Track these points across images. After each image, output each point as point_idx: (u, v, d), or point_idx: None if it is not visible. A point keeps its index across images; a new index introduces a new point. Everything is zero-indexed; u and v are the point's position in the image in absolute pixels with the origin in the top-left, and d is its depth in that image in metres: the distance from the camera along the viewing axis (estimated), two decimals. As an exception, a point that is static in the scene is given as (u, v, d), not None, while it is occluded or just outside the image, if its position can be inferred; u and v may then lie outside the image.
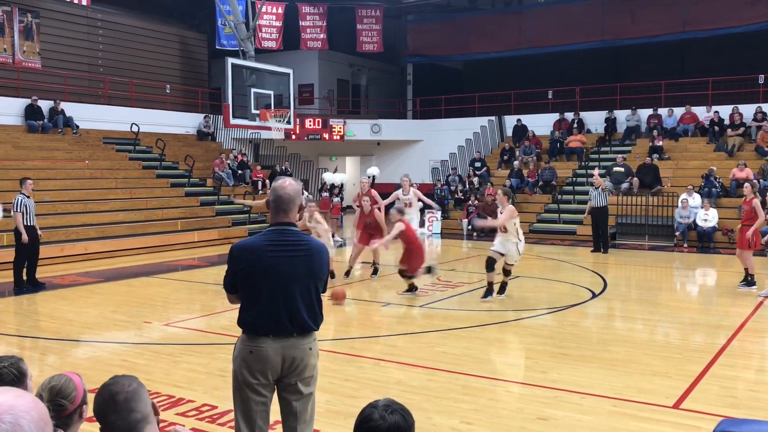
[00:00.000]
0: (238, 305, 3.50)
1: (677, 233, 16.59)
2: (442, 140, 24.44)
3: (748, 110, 19.78)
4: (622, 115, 22.01)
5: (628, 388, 5.73)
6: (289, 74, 19.97)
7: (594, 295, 10.10)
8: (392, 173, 24.68)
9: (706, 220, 16.30)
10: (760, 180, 16.98)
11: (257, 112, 18.75)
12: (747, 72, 20.67)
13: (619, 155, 19.91)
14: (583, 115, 22.65)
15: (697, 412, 5.11)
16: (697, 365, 6.38)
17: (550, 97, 23.89)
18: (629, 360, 6.66)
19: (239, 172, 20.92)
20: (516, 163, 21.32)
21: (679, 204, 16.72)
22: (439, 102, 25.69)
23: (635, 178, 18.65)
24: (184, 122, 22.30)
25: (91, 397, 2.34)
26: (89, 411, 2.38)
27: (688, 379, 5.96)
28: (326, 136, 24.11)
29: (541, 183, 20.40)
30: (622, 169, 19.07)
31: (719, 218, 16.38)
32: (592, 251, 15.45)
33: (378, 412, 2.02)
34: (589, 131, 22.49)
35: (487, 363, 6.58)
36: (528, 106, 23.83)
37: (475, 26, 25.21)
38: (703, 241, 16.34)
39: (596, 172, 16.14)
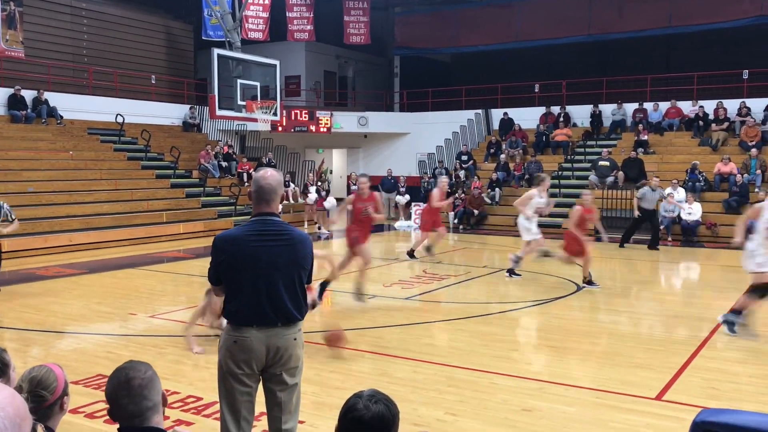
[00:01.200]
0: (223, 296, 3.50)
1: (662, 227, 16.70)
2: (429, 133, 24.44)
3: (732, 105, 19.95)
4: (608, 109, 22.11)
5: (612, 380, 5.78)
6: (275, 66, 19.87)
7: (579, 288, 10.17)
8: (379, 166, 24.71)
9: (690, 213, 16.42)
10: (744, 174, 17.15)
11: (243, 103, 18.64)
12: (732, 67, 20.82)
13: (605, 149, 20.01)
14: (569, 108, 22.74)
15: (679, 404, 5.17)
16: (680, 357, 6.45)
17: (536, 90, 23.95)
18: (613, 352, 6.72)
19: (225, 163, 20.83)
20: (502, 156, 21.38)
21: (664, 198, 16.83)
22: (426, 95, 25.68)
23: (620, 172, 18.77)
24: (169, 113, 22.15)
25: (76, 389, 2.33)
26: (71, 403, 2.37)
27: (671, 371, 6.02)
28: (313, 128, 24.04)
29: (527, 176, 20.47)
30: (608, 163, 19.18)
31: (703, 212, 16.52)
32: (620, 246, 15.24)
33: (362, 402, 2.04)
34: (575, 125, 22.58)
35: (473, 355, 6.61)
36: (515, 99, 23.86)
37: (464, 19, 25.19)
38: (687, 235, 16.47)
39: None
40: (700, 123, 20.01)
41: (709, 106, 20.22)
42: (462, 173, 21.76)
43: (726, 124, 19.68)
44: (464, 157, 22.31)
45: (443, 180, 13.57)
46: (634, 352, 6.72)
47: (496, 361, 6.38)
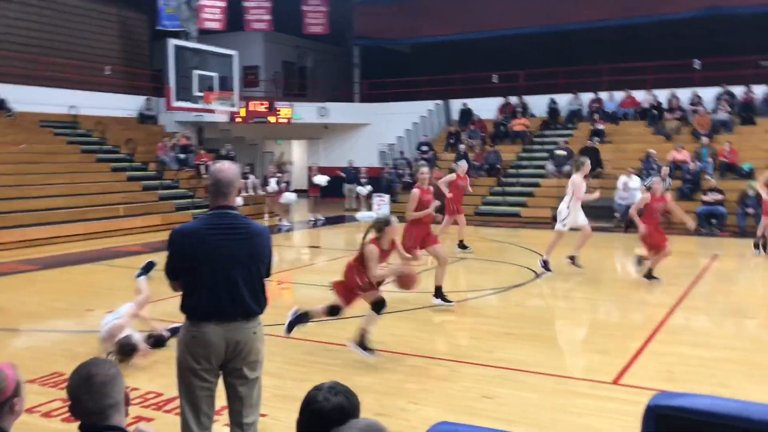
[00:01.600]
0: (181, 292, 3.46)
1: (617, 215, 17.04)
2: (390, 124, 24.43)
3: (685, 95, 20.42)
4: (564, 99, 22.41)
5: (570, 366, 5.90)
6: (233, 56, 19.59)
7: (537, 276, 10.31)
8: (339, 157, 24.62)
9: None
10: (696, 162, 17.57)
11: (201, 94, 18.33)
12: (684, 57, 21.26)
13: (562, 139, 20.30)
14: (527, 99, 22.98)
15: (635, 387, 5.30)
16: (636, 342, 6.60)
17: (494, 81, 24.12)
18: (571, 338, 6.85)
19: (183, 156, 20.52)
20: (462, 146, 21.51)
21: (620, 186, 17.15)
22: (386, 85, 25.66)
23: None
24: (125, 105, 21.71)
25: (31, 387, 2.29)
26: (27, 402, 2.33)
27: (627, 355, 6.16)
28: (272, 119, 23.82)
29: (486, 166, 20.65)
30: (565, 153, 19.45)
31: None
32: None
33: (322, 394, 2.06)
34: (533, 115, 22.83)
35: (435, 344, 6.67)
36: (474, 90, 24.00)
37: (423, 9, 25.20)
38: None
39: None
40: (655, 112, 20.42)
41: (663, 95, 20.65)
42: (423, 163, 21.81)
43: (679, 113, 20.13)
44: (424, 148, 22.38)
45: (462, 165, 13.39)
46: (591, 338, 6.86)
47: (458, 350, 6.45)
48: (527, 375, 5.64)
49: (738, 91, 20.02)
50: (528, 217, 18.03)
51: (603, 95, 21.83)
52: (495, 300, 8.82)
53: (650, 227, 9.63)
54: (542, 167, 19.89)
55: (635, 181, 17.06)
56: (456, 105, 24.06)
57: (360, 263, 6.10)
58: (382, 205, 20.10)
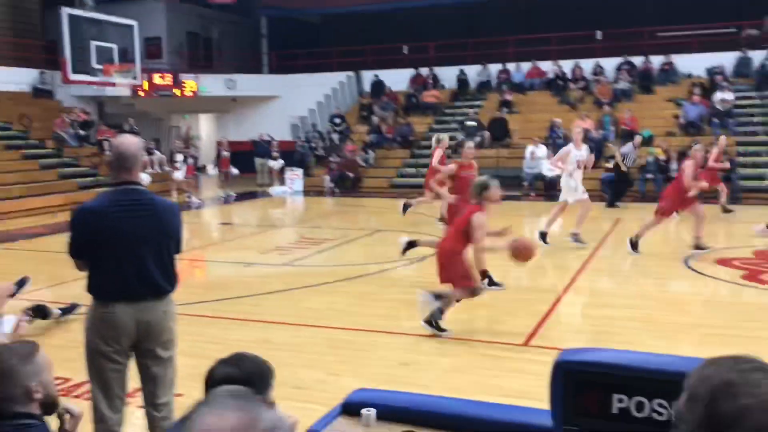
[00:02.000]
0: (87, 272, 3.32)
1: (525, 183, 17.54)
2: (301, 96, 24.09)
3: (588, 65, 21.15)
4: (473, 71, 22.74)
5: (483, 330, 6.08)
6: (133, 26, 18.75)
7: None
8: (249, 130, 24.10)
9: (551, 170, 17.30)
10: (600, 130, 18.27)
11: (100, 67, 17.49)
12: (587, 28, 21.93)
13: (471, 110, 20.64)
14: (438, 70, 23.18)
15: (545, 348, 5.51)
16: (544, 305, 6.86)
17: (405, 52, 24.16)
18: (483, 304, 7.02)
19: (83, 132, 19.58)
20: (375, 119, 21.53)
21: (528, 155, 17.64)
22: (296, 56, 25.25)
23: (487, 132, 19.45)
24: (16, 78, 20.40)
25: None
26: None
27: (537, 317, 6.40)
28: (177, 92, 23.02)
29: (399, 139, 20.77)
30: (475, 124, 19.80)
31: (563, 167, 17.46)
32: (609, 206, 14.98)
33: (219, 366, 2.12)
34: (443, 87, 23.07)
35: (352, 315, 6.70)
36: (385, 61, 23.99)
37: (330, -21, 24.86)
38: (549, 190, 17.39)
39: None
40: (560, 83, 21.06)
41: (568, 66, 21.30)
42: (336, 136, 21.72)
43: (583, 83, 20.85)
44: (337, 120, 22.25)
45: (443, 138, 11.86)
46: (502, 302, 7.07)
47: (375, 320, 6.50)
48: (442, 341, 5.76)
49: (637, 61, 20.90)
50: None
51: (510, 66, 22.28)
52: (412, 270, 8.93)
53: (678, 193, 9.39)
54: (454, 138, 20.17)
55: (542, 150, 17.57)
56: (368, 76, 23.98)
57: (461, 235, 5.67)
58: (294, 179, 19.91)
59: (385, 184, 19.42)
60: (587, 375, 2.21)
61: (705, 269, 8.43)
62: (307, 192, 19.61)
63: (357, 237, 11.77)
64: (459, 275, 5.79)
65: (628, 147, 16.15)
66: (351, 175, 19.78)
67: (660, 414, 2.02)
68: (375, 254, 10.01)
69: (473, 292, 5.92)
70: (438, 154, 11.40)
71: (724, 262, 8.86)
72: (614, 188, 15.38)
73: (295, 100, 24.28)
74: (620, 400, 2.08)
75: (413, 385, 4.72)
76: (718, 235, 10.87)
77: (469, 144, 8.98)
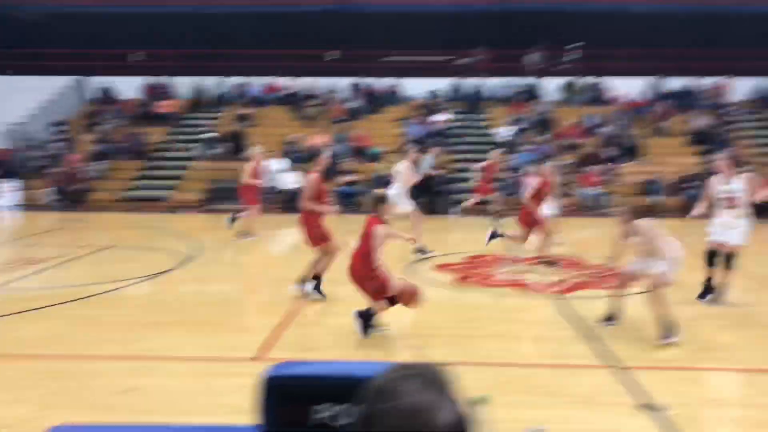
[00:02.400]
0: None
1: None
2: (16, 100, 21.64)
3: (324, 83, 22.08)
4: (212, 82, 22.44)
5: (215, 348, 6.02)
6: None
7: (188, 260, 10.25)
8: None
9: (291, 183, 17.71)
10: (334, 146, 19.12)
11: None
12: (324, 48, 22.79)
13: (209, 121, 20.35)
14: (174, 79, 22.46)
15: (276, 360, 5.61)
16: (277, 317, 6.99)
17: (139, 59, 22.98)
18: (217, 321, 6.97)
19: None
20: (105, 128, 20.17)
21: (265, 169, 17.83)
22: (10, 56, 22.63)
23: (228, 144, 19.33)
24: None
25: None
26: None
27: (268, 330, 6.50)
28: None
29: (130, 150, 19.71)
30: (213, 135, 19.55)
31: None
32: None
33: None
34: (180, 97, 22.41)
35: (72, 342, 6.21)
36: (115, 67, 22.55)
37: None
38: (288, 202, 17.73)
39: None
40: (296, 99, 21.66)
41: (304, 83, 22.01)
42: (60, 145, 19.92)
43: (318, 100, 21.68)
44: (60, 128, 20.42)
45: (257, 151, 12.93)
46: (236, 318, 7.09)
47: (97, 345, 6.11)
48: (171, 362, 5.60)
49: (368, 81, 22.30)
50: (177, 201, 17.72)
51: (250, 80, 22.40)
52: (141, 288, 8.53)
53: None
54: (190, 150, 19.70)
55: (279, 164, 17.89)
56: (95, 83, 22.39)
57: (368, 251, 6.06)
58: (10, 192, 17.88)
59: (116, 197, 18.28)
60: (294, 388, 2.34)
61: (425, 274, 9.25)
62: (26, 206, 17.69)
63: (82, 255, 10.91)
64: (373, 290, 6.21)
65: (427, 156, 17.06)
66: (76, 187, 18.25)
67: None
68: (102, 273, 9.39)
69: (391, 302, 6.24)
70: (250, 166, 12.50)
71: (442, 267, 9.80)
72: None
73: (7, 104, 21.71)
74: (317, 411, 2.24)
75: (135, 412, 4.55)
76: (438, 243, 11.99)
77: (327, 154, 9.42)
